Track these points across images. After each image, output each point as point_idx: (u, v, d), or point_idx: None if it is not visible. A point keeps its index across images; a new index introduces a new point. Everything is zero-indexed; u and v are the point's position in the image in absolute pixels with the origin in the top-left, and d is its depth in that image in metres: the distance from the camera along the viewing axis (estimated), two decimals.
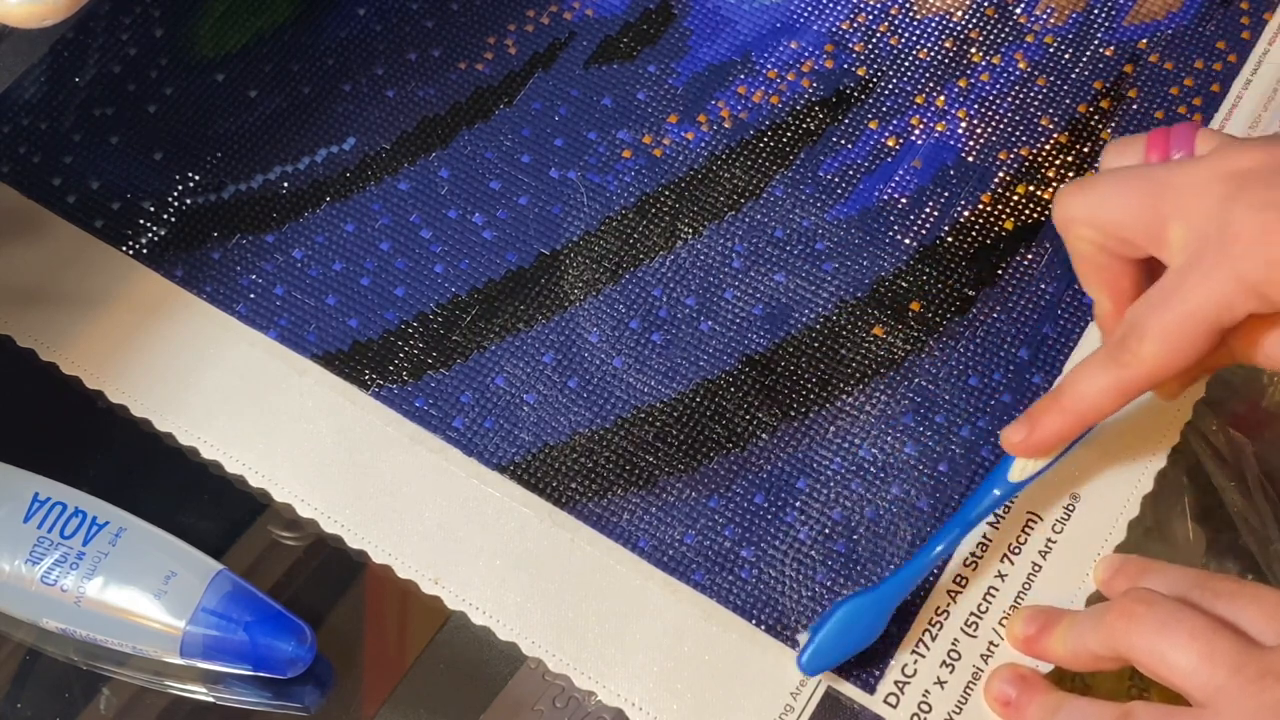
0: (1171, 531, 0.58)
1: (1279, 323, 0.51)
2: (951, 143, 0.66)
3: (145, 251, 0.64)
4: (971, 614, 0.56)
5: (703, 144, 0.66)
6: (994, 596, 0.56)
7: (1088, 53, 0.68)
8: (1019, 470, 0.55)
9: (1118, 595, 0.52)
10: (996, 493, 0.55)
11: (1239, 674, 0.47)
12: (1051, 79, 0.67)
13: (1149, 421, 0.59)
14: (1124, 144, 0.55)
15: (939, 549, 0.55)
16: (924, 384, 0.60)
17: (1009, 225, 0.64)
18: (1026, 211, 0.64)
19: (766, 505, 0.58)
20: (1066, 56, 0.68)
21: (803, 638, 0.54)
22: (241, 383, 0.61)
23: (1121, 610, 0.50)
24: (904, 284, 0.62)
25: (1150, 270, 0.52)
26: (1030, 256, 0.63)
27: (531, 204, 0.65)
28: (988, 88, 0.67)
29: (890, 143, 0.66)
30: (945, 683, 0.55)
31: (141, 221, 0.65)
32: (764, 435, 0.59)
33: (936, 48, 0.68)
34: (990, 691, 0.54)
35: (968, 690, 0.55)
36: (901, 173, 0.65)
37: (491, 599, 0.57)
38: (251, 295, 0.63)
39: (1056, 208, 0.54)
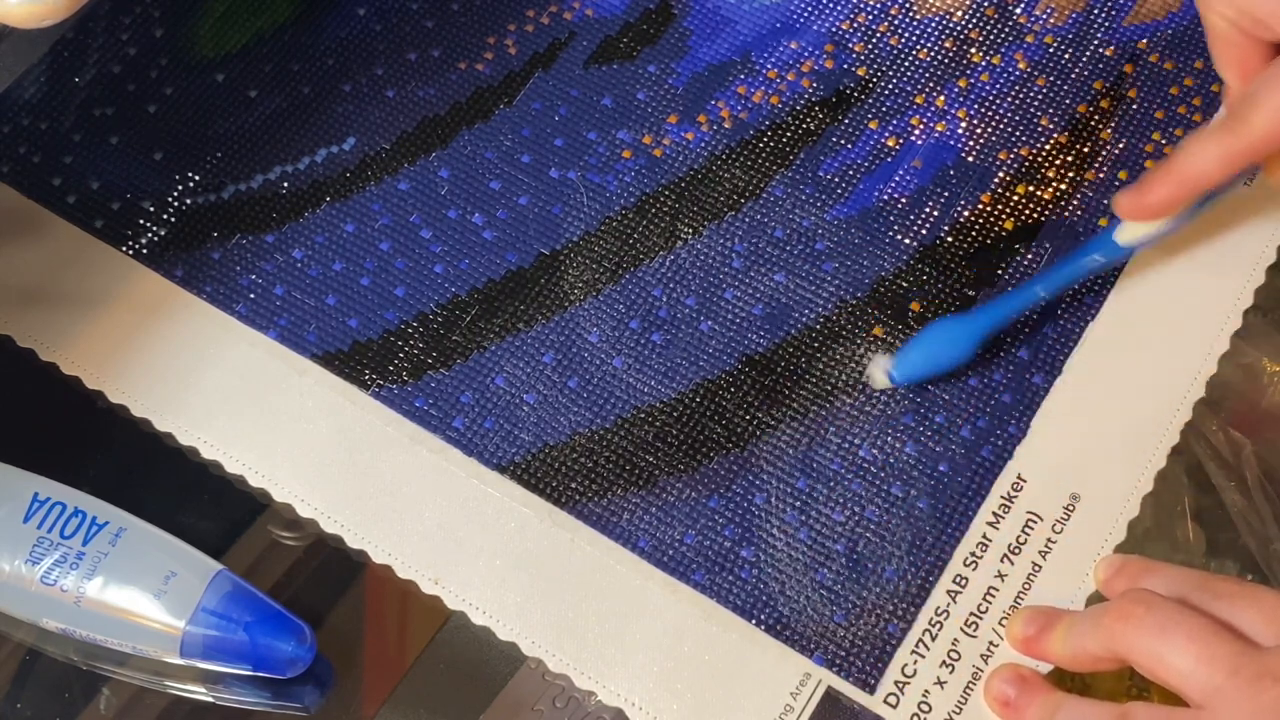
0: (1171, 531, 0.58)
1: None
2: (951, 143, 0.66)
3: (145, 251, 0.64)
4: (971, 614, 0.56)
5: (703, 144, 0.66)
6: (994, 596, 0.56)
7: (1088, 53, 0.68)
8: (1127, 233, 0.56)
9: (1117, 596, 0.52)
10: (1099, 258, 0.57)
11: (1236, 675, 0.47)
12: (1051, 79, 0.67)
13: (1149, 421, 0.59)
14: None
15: (1039, 289, 0.57)
16: (924, 384, 0.60)
17: (1009, 225, 0.64)
18: (1026, 211, 0.64)
19: (766, 505, 0.58)
20: (1066, 56, 0.68)
21: (884, 360, 0.58)
22: (241, 383, 0.61)
23: (1120, 612, 0.50)
24: (904, 284, 0.62)
25: None
26: (1030, 256, 0.63)
27: (531, 204, 0.65)
28: (988, 88, 0.67)
29: (890, 143, 0.66)
30: (945, 683, 0.55)
31: (141, 221, 0.65)
32: (764, 435, 0.59)
33: (936, 48, 0.68)
34: (990, 691, 0.54)
35: (968, 690, 0.55)
36: (901, 173, 0.65)
37: (491, 599, 0.57)
38: (251, 295, 0.63)
39: None
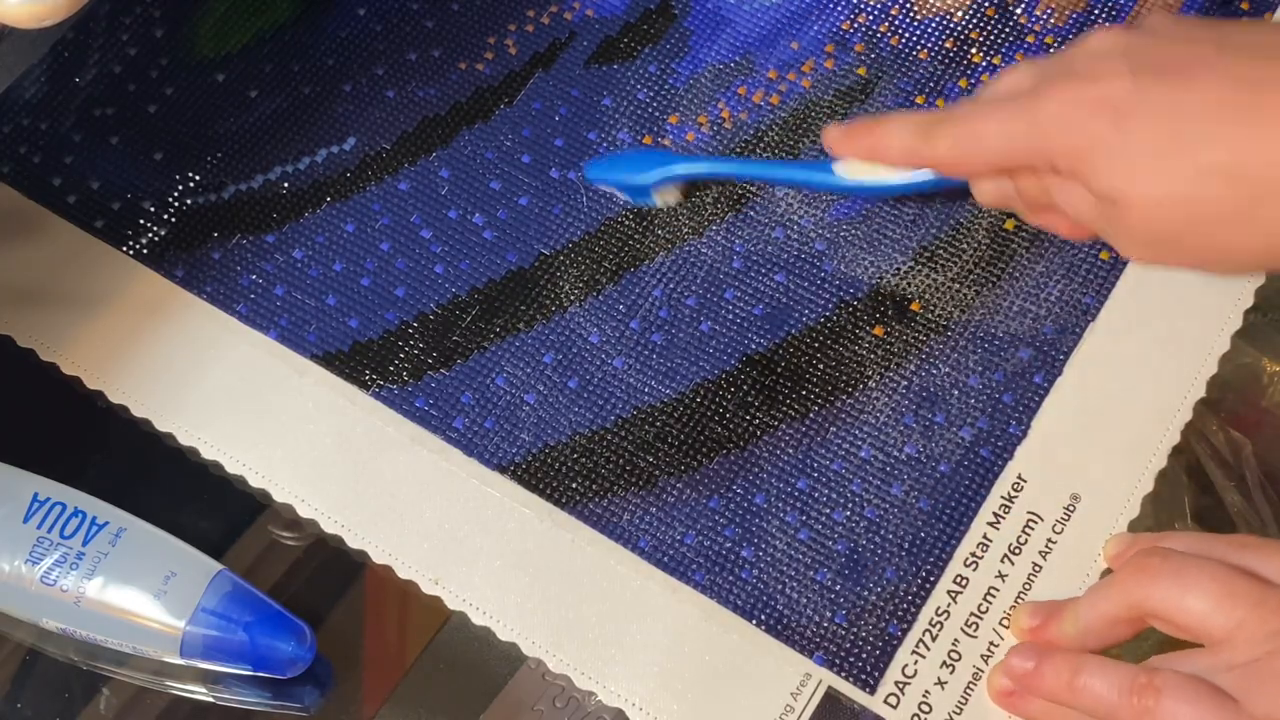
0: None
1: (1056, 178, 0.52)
2: None
3: (145, 251, 0.64)
4: (971, 614, 0.56)
5: (703, 144, 0.66)
6: (994, 596, 0.56)
7: None
8: (844, 168, 0.60)
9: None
10: (815, 175, 0.62)
11: (1261, 607, 0.46)
12: None
13: (1149, 421, 0.59)
14: None
15: (746, 169, 0.63)
16: (924, 384, 0.60)
17: (1009, 225, 0.64)
18: None
19: (766, 505, 0.58)
20: None
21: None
22: (241, 383, 0.61)
23: (1136, 566, 0.50)
24: (904, 284, 0.62)
25: None
26: (1030, 256, 0.63)
27: (532, 204, 0.65)
28: None
29: None
30: (945, 683, 0.55)
31: (141, 221, 0.65)
32: (764, 435, 0.59)
33: (937, 48, 0.68)
34: (1004, 669, 0.53)
35: (968, 691, 0.55)
36: None
37: (491, 599, 0.57)
38: (252, 295, 0.63)
39: None
